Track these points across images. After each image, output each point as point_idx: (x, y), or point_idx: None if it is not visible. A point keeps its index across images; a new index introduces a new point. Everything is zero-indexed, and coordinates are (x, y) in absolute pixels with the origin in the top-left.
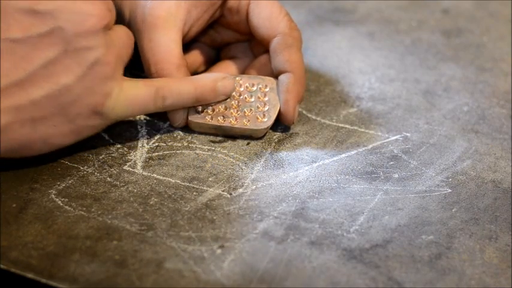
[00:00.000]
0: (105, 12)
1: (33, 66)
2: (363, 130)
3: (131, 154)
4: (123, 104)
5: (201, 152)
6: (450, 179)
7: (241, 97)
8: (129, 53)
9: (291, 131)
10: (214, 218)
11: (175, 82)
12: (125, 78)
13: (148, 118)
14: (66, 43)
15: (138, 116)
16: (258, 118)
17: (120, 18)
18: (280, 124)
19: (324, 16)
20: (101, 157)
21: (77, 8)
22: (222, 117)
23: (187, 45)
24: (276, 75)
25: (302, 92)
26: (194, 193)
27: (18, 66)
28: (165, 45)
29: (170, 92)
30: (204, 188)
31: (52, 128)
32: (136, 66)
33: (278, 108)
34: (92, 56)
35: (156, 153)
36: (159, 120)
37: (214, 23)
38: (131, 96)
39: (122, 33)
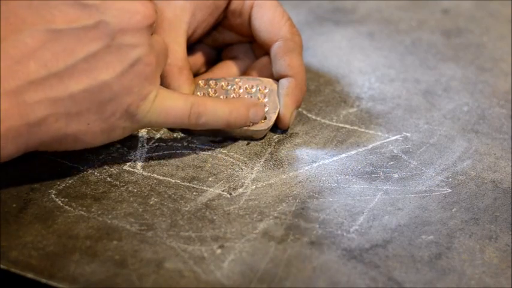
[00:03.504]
0: (151, 11)
1: (74, 59)
2: (363, 130)
3: (131, 154)
4: (157, 111)
5: (201, 152)
6: (450, 179)
7: None
8: (165, 62)
9: (291, 131)
10: (214, 218)
11: (212, 101)
12: (162, 87)
13: None
14: (110, 38)
15: None
16: None
17: None
18: None
19: (324, 16)
20: (100, 157)
21: (124, 4)
22: None
23: (189, 46)
24: (276, 79)
25: (301, 97)
26: (194, 193)
27: (59, 57)
28: (170, 47)
29: (205, 110)
30: (204, 188)
31: (85, 126)
32: None
33: (278, 109)
34: (134, 53)
35: (156, 153)
36: None
37: (217, 24)
38: (167, 105)
39: (160, 41)
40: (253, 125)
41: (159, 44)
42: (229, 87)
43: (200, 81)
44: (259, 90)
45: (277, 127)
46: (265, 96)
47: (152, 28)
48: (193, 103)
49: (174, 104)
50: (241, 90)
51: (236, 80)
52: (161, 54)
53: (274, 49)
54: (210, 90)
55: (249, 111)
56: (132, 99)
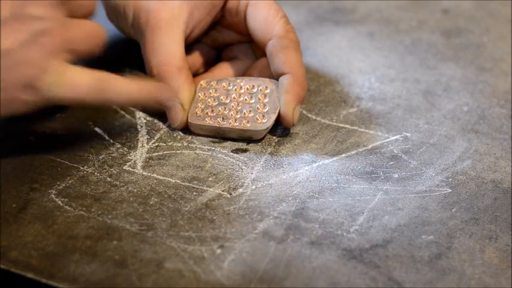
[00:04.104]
0: None
1: None
2: (363, 130)
3: (131, 154)
4: (61, 85)
5: (201, 152)
6: (450, 179)
7: (242, 98)
8: (87, 49)
9: (291, 131)
10: (214, 218)
11: (118, 78)
12: (72, 65)
13: (148, 118)
14: (15, 7)
15: (138, 116)
16: (257, 119)
17: (124, 20)
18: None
19: (324, 16)
20: (100, 157)
21: None
22: (221, 119)
23: (189, 46)
24: (276, 78)
25: (302, 92)
26: (194, 193)
27: None
28: (168, 47)
29: (110, 86)
30: (204, 188)
31: None
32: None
33: (278, 109)
34: (38, 25)
35: (156, 153)
36: (159, 120)
37: (216, 23)
38: (71, 80)
39: (85, 26)
40: (250, 124)
41: (80, 29)
42: (231, 87)
43: (202, 82)
44: (261, 90)
45: (280, 126)
46: (265, 97)
47: (62, 5)
48: (99, 78)
49: (80, 78)
50: (242, 91)
51: (238, 80)
52: (76, 34)
53: (269, 47)
54: (211, 90)
55: (157, 89)
56: (34, 71)
